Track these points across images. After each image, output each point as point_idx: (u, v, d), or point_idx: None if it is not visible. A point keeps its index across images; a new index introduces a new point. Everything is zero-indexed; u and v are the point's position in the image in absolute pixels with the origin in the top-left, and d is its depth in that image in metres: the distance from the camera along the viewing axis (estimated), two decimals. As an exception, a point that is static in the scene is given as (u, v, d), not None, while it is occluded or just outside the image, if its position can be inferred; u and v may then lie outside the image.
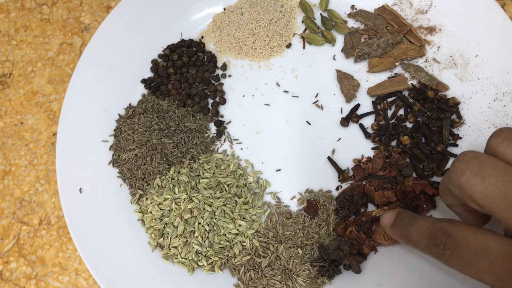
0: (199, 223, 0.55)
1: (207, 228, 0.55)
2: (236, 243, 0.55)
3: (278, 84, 0.64)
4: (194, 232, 0.55)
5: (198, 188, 0.57)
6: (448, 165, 0.56)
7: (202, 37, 0.69)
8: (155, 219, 0.57)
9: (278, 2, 0.68)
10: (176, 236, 0.56)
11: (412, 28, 0.63)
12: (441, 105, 0.58)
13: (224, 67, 0.66)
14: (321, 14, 0.67)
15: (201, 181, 0.58)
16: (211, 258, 0.55)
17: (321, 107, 0.62)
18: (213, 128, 0.63)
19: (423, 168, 0.56)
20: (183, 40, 0.69)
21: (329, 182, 0.58)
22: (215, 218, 0.56)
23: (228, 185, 0.58)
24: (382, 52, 0.62)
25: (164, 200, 0.57)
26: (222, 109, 0.64)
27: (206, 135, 0.63)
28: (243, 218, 0.56)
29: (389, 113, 0.61)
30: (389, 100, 0.61)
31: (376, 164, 0.57)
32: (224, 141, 0.62)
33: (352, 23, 0.66)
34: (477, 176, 0.33)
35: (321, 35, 0.66)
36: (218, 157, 0.61)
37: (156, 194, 0.58)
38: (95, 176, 0.61)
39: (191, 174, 0.59)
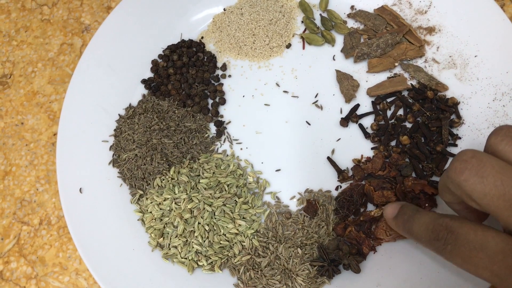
0: (199, 223, 0.55)
1: (207, 228, 0.55)
2: (235, 243, 0.56)
3: (277, 84, 0.65)
4: (194, 232, 0.55)
5: (198, 188, 0.57)
6: (448, 165, 0.56)
7: (202, 37, 0.69)
8: (155, 219, 0.57)
9: (278, 3, 0.68)
10: (176, 236, 0.56)
11: (411, 29, 0.63)
12: (441, 105, 0.58)
13: (224, 67, 0.66)
14: (320, 14, 0.68)
15: (201, 181, 0.58)
16: (211, 258, 0.55)
17: (321, 107, 0.62)
18: (213, 128, 0.64)
19: (422, 168, 0.56)
20: (183, 41, 0.69)
21: (329, 182, 0.58)
22: (215, 218, 0.56)
23: (228, 185, 0.58)
24: (381, 52, 0.62)
25: (164, 200, 0.57)
26: (222, 109, 0.65)
27: (206, 135, 0.63)
28: (243, 218, 0.57)
29: (389, 113, 0.61)
30: (389, 100, 0.61)
31: (375, 164, 0.57)
32: (224, 141, 0.63)
33: (351, 24, 0.66)
34: (476, 175, 0.33)
35: (320, 35, 0.66)
36: (218, 157, 0.61)
37: (156, 194, 0.58)
38: (95, 176, 0.61)
39: (191, 174, 0.59)
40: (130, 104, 0.65)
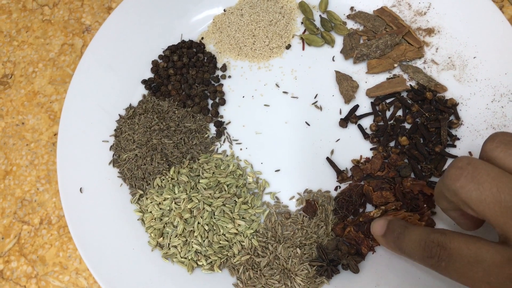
0: (198, 223, 0.56)
1: (206, 227, 0.55)
2: (235, 242, 0.56)
3: (277, 85, 0.65)
4: (194, 231, 0.55)
5: (197, 188, 0.58)
6: (446, 165, 0.57)
7: (202, 38, 0.69)
8: (155, 219, 0.57)
9: (278, 4, 0.68)
10: (176, 236, 0.56)
11: (410, 30, 0.63)
12: (439, 106, 0.59)
13: (224, 68, 0.67)
14: (320, 15, 0.68)
15: (200, 181, 0.58)
16: (210, 258, 0.55)
17: (320, 108, 0.63)
18: (212, 129, 0.64)
19: (421, 168, 0.56)
20: (183, 41, 0.69)
21: (328, 183, 0.59)
22: (215, 218, 0.56)
23: (227, 185, 0.58)
24: (381, 53, 0.62)
25: (164, 200, 0.58)
26: (222, 110, 0.65)
27: (206, 135, 0.63)
28: (242, 218, 0.57)
29: (388, 114, 0.61)
30: (388, 101, 0.61)
31: (374, 164, 0.57)
32: (224, 142, 0.63)
33: (351, 25, 0.67)
34: (472, 182, 0.33)
35: (320, 36, 0.66)
36: (217, 157, 0.61)
37: (156, 194, 0.58)
38: (95, 176, 0.61)
39: (190, 174, 0.59)
40: (130, 105, 0.65)
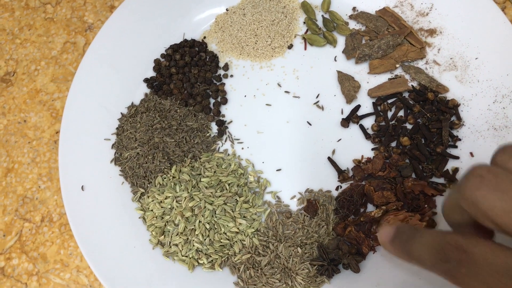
0: (199, 222, 0.56)
1: (207, 226, 0.56)
2: (236, 241, 0.56)
3: (279, 85, 0.65)
4: (195, 230, 0.56)
5: (199, 187, 0.58)
6: (447, 166, 0.57)
7: (205, 37, 0.70)
8: (156, 217, 0.57)
9: (280, 3, 0.68)
10: (177, 234, 0.56)
11: (412, 30, 0.63)
12: (441, 106, 0.59)
13: (226, 67, 0.67)
14: (322, 15, 0.68)
15: (202, 179, 0.58)
16: (211, 256, 0.55)
17: (322, 108, 0.63)
18: (214, 128, 0.64)
19: (422, 169, 0.56)
20: (185, 40, 0.69)
21: (329, 182, 0.59)
22: (216, 217, 0.56)
23: (229, 184, 0.58)
24: (383, 53, 0.63)
25: (165, 198, 0.58)
26: (224, 109, 0.65)
27: (208, 134, 0.63)
28: (244, 217, 0.57)
29: (389, 114, 0.61)
30: (389, 101, 0.61)
31: (375, 164, 0.57)
32: (225, 141, 0.63)
33: (353, 25, 0.67)
34: (496, 190, 0.30)
35: (322, 36, 0.66)
36: (219, 156, 0.61)
37: (158, 193, 0.58)
38: (97, 174, 0.61)
39: (192, 173, 0.59)
40: (132, 103, 0.66)
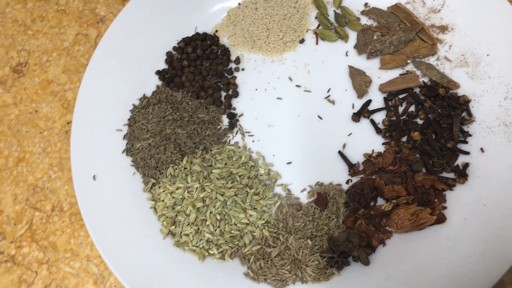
0: (211, 212, 0.56)
1: (218, 217, 0.56)
2: (246, 233, 0.56)
3: (290, 79, 0.65)
4: (206, 220, 0.56)
5: (210, 178, 0.58)
6: (458, 161, 0.57)
7: (216, 31, 0.70)
8: (167, 207, 0.58)
9: (292, -2, 0.69)
10: (188, 224, 0.56)
11: (424, 27, 0.64)
12: (452, 102, 0.59)
13: (237, 60, 0.67)
14: (334, 11, 0.68)
15: (213, 171, 0.59)
16: (221, 247, 0.56)
17: (333, 102, 0.63)
18: (225, 120, 0.64)
19: (433, 163, 0.56)
20: (197, 34, 0.70)
21: (339, 176, 0.59)
22: (227, 208, 0.56)
23: (239, 176, 0.59)
24: (394, 49, 0.63)
25: (176, 189, 0.58)
26: (235, 102, 0.65)
27: (219, 127, 0.63)
28: (254, 208, 0.57)
29: (400, 109, 0.61)
30: (400, 96, 0.62)
31: (386, 159, 0.58)
32: (236, 133, 0.63)
33: (365, 21, 0.67)
34: None
35: (334, 31, 0.67)
36: (230, 148, 0.62)
37: (169, 183, 0.59)
38: (108, 164, 0.61)
39: (203, 164, 0.60)
40: (144, 95, 0.66)
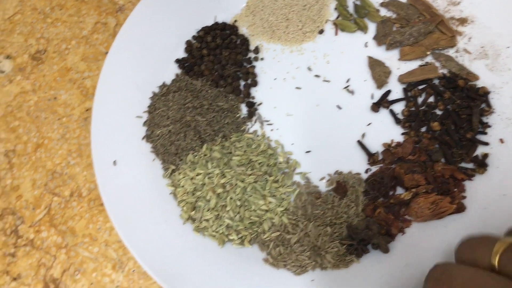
0: (231, 198, 0.56)
1: (238, 203, 0.56)
2: (265, 219, 0.57)
3: (309, 69, 0.66)
4: (226, 206, 0.56)
5: (230, 165, 0.59)
6: (477, 152, 0.57)
7: (236, 21, 0.70)
8: (187, 193, 0.58)
9: (312, -11, 0.69)
10: (208, 210, 0.57)
11: (444, 19, 0.64)
12: (471, 94, 0.59)
13: (256, 50, 0.68)
14: (354, 2, 0.69)
15: (233, 158, 0.59)
16: (241, 233, 0.56)
17: (352, 92, 0.63)
18: (244, 109, 0.65)
19: (452, 154, 0.57)
20: (216, 23, 0.70)
21: (358, 165, 0.59)
22: (247, 194, 0.57)
23: (259, 164, 0.59)
24: (414, 41, 0.63)
25: (197, 175, 0.58)
26: (254, 91, 0.66)
27: (238, 115, 0.64)
28: (273, 195, 0.58)
29: (419, 100, 0.62)
30: (420, 87, 0.62)
31: (405, 148, 0.58)
32: (255, 122, 0.64)
33: (384, 12, 0.68)
34: None
35: (353, 22, 0.67)
36: (249, 136, 0.62)
37: (189, 169, 0.59)
38: (128, 150, 0.62)
39: (223, 151, 0.60)
40: (164, 83, 0.66)
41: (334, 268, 0.54)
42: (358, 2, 0.68)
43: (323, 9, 0.68)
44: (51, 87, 0.72)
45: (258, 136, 0.63)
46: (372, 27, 0.67)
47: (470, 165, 0.57)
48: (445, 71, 0.62)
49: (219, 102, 0.64)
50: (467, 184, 0.56)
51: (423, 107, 0.61)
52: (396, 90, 0.63)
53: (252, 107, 0.64)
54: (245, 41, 0.68)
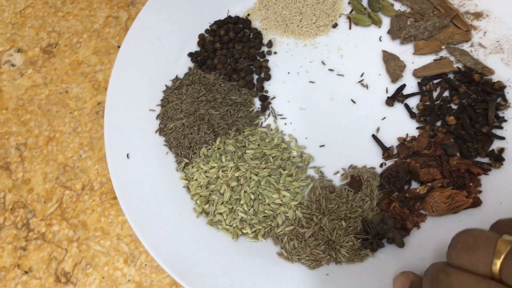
0: (245, 191, 0.56)
1: (252, 196, 0.56)
2: (279, 213, 0.56)
3: (323, 63, 0.65)
4: (240, 200, 0.56)
5: (244, 158, 0.58)
6: (493, 146, 0.57)
7: (248, 14, 0.70)
8: (201, 187, 0.58)
9: (325, -17, 0.69)
10: (222, 203, 0.56)
11: (459, 13, 0.63)
12: (487, 88, 0.59)
13: (270, 44, 0.67)
14: (367, -4, 0.68)
15: (247, 151, 0.59)
16: (254, 226, 0.56)
17: (366, 86, 0.63)
18: (257, 103, 0.64)
19: (467, 148, 0.56)
20: (229, 17, 0.70)
21: (373, 160, 0.59)
22: (261, 188, 0.57)
23: (273, 157, 0.59)
24: (428, 35, 0.63)
25: (210, 168, 0.58)
26: (267, 85, 0.65)
27: (251, 109, 0.64)
28: (287, 189, 0.57)
29: (434, 95, 0.61)
30: (435, 82, 0.62)
31: (421, 142, 0.58)
32: (269, 116, 0.63)
33: (398, 6, 0.67)
34: None
35: (367, 16, 0.67)
36: (262, 130, 0.62)
37: (203, 163, 0.59)
38: (141, 143, 0.61)
39: (237, 144, 0.60)
40: (176, 76, 0.66)
41: (349, 263, 0.53)
42: (372, -4, 0.68)
43: (337, 3, 0.68)
44: (62, 80, 0.72)
45: (271, 130, 0.63)
46: (386, 21, 0.67)
47: (485, 160, 0.56)
48: (460, 65, 0.62)
49: (232, 95, 0.64)
50: (483, 178, 0.55)
51: (438, 101, 0.60)
52: (411, 84, 0.62)
53: (266, 101, 0.64)
54: (258, 34, 0.68)
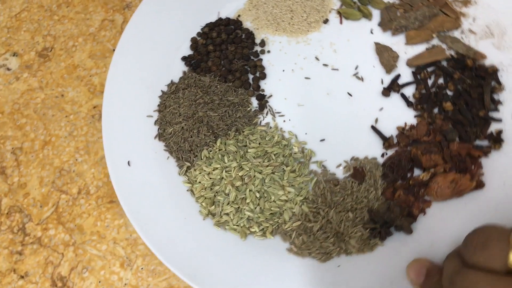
0: (250, 190, 0.56)
1: (257, 194, 0.56)
2: (286, 209, 0.56)
3: (317, 58, 0.66)
4: (246, 198, 0.56)
5: (246, 157, 0.58)
6: (491, 129, 0.58)
7: (239, 15, 0.70)
8: (205, 189, 0.57)
9: (314, -21, 0.69)
10: (228, 203, 0.56)
11: (447, 1, 0.65)
12: (481, 72, 0.60)
13: (262, 43, 0.68)
14: (356, -10, 0.69)
15: (249, 150, 0.59)
16: (262, 224, 0.55)
17: (362, 79, 0.64)
18: (255, 102, 0.64)
19: (466, 132, 0.57)
20: (220, 19, 0.70)
21: (373, 150, 0.59)
22: (265, 185, 0.56)
23: (274, 155, 0.59)
24: (419, 24, 0.64)
25: (213, 170, 0.58)
26: (263, 84, 0.66)
27: (249, 108, 0.64)
28: (292, 185, 0.57)
29: (429, 82, 0.62)
30: (429, 70, 0.62)
31: (420, 130, 0.58)
32: (267, 114, 0.63)
33: (387, -2, 0.68)
34: None
35: (357, 10, 0.67)
36: (262, 129, 0.62)
37: (205, 165, 0.59)
38: (141, 150, 0.61)
39: (238, 144, 0.60)
40: (172, 81, 0.66)
41: (359, 253, 0.53)
42: (360, -10, 0.69)
43: (326, -1, 0.69)
44: (58, 84, 0.71)
45: (271, 128, 0.63)
46: (376, 14, 0.67)
47: (485, 142, 0.57)
48: (452, 52, 0.63)
49: (229, 96, 0.64)
50: (484, 161, 0.56)
51: (433, 89, 0.61)
52: (406, 74, 0.63)
53: (263, 100, 0.64)
54: (250, 34, 0.68)
